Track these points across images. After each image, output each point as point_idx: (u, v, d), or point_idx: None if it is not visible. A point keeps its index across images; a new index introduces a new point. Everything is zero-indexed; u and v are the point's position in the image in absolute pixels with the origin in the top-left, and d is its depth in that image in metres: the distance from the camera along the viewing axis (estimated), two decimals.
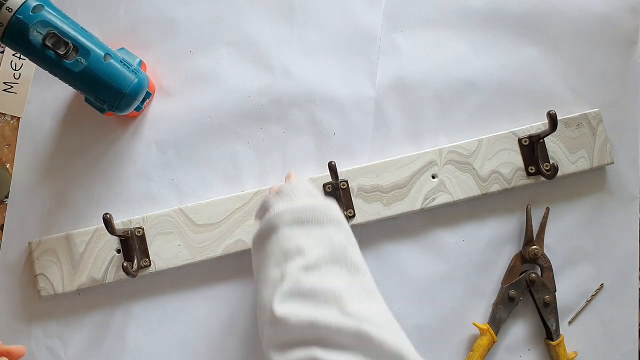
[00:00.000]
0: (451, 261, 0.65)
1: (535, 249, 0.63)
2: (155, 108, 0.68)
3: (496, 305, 0.63)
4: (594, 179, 0.66)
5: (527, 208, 0.64)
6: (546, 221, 0.64)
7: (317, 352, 0.40)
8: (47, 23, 0.56)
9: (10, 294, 0.66)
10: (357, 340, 0.40)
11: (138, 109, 0.66)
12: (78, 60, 0.58)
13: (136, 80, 0.61)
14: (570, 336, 0.64)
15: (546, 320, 0.63)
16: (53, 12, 0.57)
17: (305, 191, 0.52)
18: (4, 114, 0.69)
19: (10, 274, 0.66)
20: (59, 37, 0.56)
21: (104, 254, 0.64)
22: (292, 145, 0.67)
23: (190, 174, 0.67)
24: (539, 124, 0.64)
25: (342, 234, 0.49)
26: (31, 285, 0.65)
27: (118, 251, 0.64)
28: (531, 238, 0.64)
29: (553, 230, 0.65)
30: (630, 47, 0.67)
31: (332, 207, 0.51)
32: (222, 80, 0.68)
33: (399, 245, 0.65)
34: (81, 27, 0.59)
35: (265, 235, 0.50)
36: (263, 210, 0.52)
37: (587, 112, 0.64)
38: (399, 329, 0.43)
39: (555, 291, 0.63)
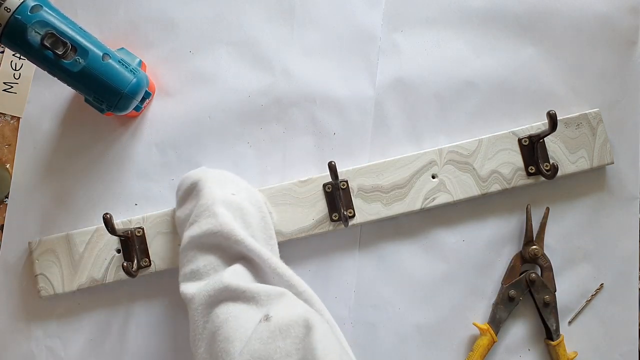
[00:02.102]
0: (451, 261, 0.65)
1: (535, 249, 0.63)
2: (155, 108, 0.68)
3: (496, 305, 0.63)
4: (594, 179, 0.66)
5: (527, 208, 0.64)
6: (546, 221, 0.64)
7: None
8: (45, 23, 0.56)
9: (10, 294, 0.66)
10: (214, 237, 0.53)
11: (137, 109, 0.66)
12: (76, 60, 0.58)
13: (135, 80, 0.61)
14: (570, 336, 0.64)
15: (546, 320, 0.63)
16: (51, 12, 0.57)
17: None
18: (4, 114, 0.69)
19: (10, 274, 0.66)
20: (57, 37, 0.56)
21: (104, 254, 0.64)
22: (292, 145, 0.67)
23: None
24: (539, 124, 0.64)
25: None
26: (31, 285, 0.65)
27: (118, 251, 0.64)
28: (531, 238, 0.64)
29: (553, 230, 0.65)
30: (630, 47, 0.67)
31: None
32: (222, 80, 0.68)
33: (399, 245, 0.65)
34: (79, 27, 0.59)
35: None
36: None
37: (587, 112, 0.64)
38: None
39: (555, 291, 0.63)
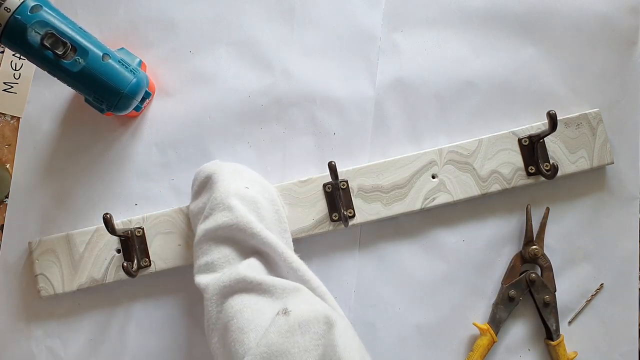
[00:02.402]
0: (451, 261, 0.65)
1: (535, 249, 0.63)
2: (155, 108, 0.68)
3: (496, 305, 0.63)
4: (594, 179, 0.66)
5: (527, 208, 0.64)
6: (546, 221, 0.64)
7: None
8: (45, 23, 0.56)
9: (10, 294, 0.66)
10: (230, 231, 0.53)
11: (137, 109, 0.66)
12: (76, 60, 0.58)
13: (135, 80, 0.61)
14: (570, 336, 0.64)
15: (546, 320, 0.63)
16: (51, 12, 0.57)
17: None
18: (4, 114, 0.69)
19: (10, 274, 0.66)
20: (57, 37, 0.56)
21: (104, 254, 0.64)
22: (292, 145, 0.67)
23: (190, 174, 0.66)
24: (539, 124, 0.64)
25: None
26: (31, 285, 0.65)
27: (118, 251, 0.64)
28: (531, 238, 0.64)
29: (553, 230, 0.65)
30: (630, 47, 0.67)
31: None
32: (222, 80, 0.68)
33: (399, 245, 0.65)
34: (79, 27, 0.59)
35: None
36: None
37: (587, 112, 0.64)
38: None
39: (555, 291, 0.63)
